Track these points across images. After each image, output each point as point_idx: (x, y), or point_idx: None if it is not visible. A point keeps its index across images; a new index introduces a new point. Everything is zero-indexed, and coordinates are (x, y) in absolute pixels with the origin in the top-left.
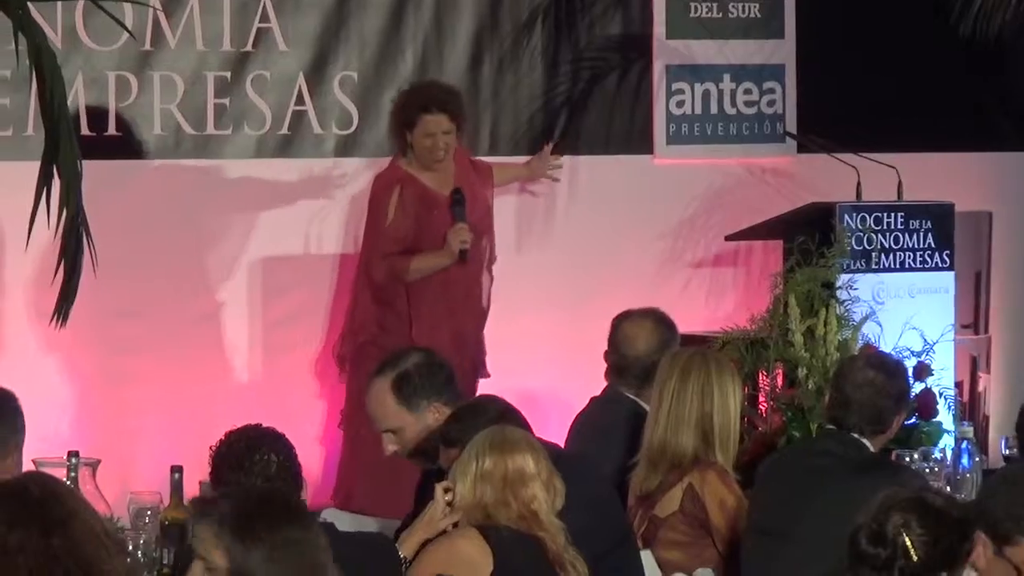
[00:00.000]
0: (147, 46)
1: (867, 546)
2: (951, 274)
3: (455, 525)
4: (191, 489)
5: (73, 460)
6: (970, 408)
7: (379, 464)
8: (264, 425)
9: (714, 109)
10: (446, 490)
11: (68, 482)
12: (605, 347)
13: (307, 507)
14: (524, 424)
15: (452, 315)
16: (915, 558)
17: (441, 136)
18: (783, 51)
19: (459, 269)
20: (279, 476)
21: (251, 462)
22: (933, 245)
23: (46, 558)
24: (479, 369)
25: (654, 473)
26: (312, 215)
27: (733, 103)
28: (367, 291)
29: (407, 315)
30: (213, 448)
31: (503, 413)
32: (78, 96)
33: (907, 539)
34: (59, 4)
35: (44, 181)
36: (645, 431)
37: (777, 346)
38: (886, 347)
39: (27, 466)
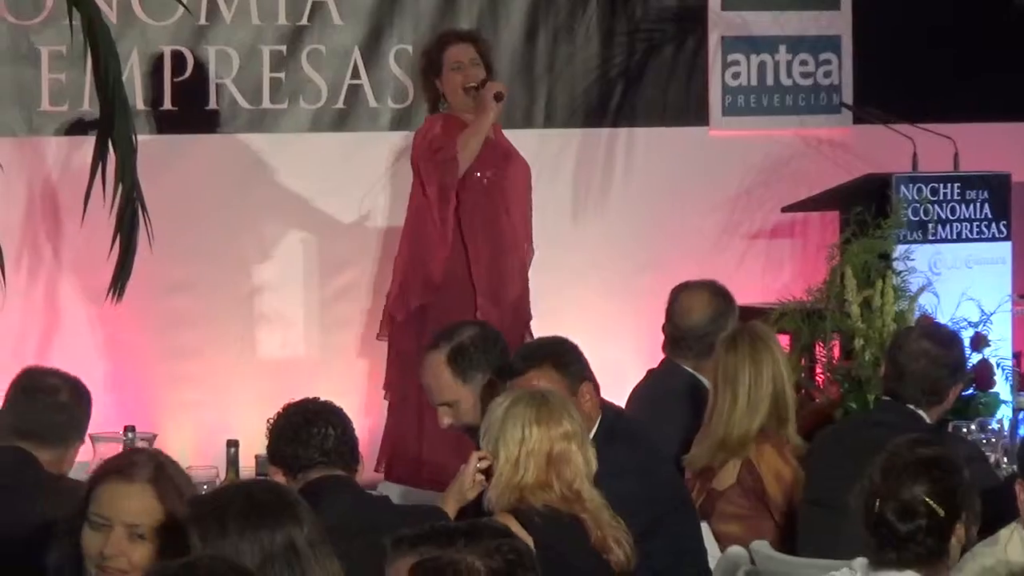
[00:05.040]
0: (202, 20)
1: (900, 524)
2: (1008, 244)
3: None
4: (247, 463)
5: (129, 435)
6: None
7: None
8: (322, 399)
9: (770, 80)
10: (481, 458)
11: None
12: (662, 319)
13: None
14: (582, 359)
15: (503, 283)
16: (942, 514)
17: (470, 66)
18: (839, 22)
19: (509, 236)
20: (335, 450)
21: (308, 435)
22: (990, 215)
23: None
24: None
25: (717, 453)
26: (368, 189)
27: (789, 74)
28: (418, 246)
29: (468, 280)
30: (271, 421)
31: (562, 340)
32: (133, 71)
33: (930, 502)
34: None
35: (99, 156)
36: (711, 416)
37: (834, 317)
38: (943, 318)
39: (85, 441)
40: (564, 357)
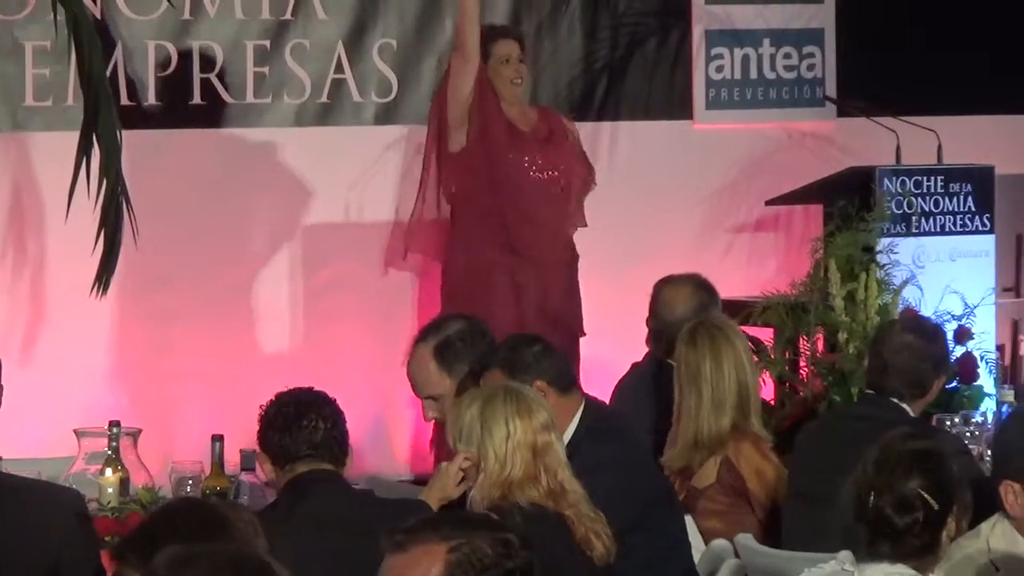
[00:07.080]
0: (186, 15)
1: (898, 517)
2: (991, 237)
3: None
4: (232, 458)
5: (114, 430)
6: (1011, 371)
7: None
8: (316, 389)
9: (754, 74)
10: (466, 458)
11: (109, 451)
12: (646, 313)
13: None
14: (570, 362)
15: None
16: (936, 507)
17: (516, 62)
18: (823, 15)
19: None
20: (323, 444)
21: (298, 427)
22: (973, 208)
23: None
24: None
25: (694, 453)
26: (352, 183)
27: (773, 68)
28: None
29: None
30: (263, 407)
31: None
32: (118, 66)
33: (925, 495)
34: None
35: (84, 151)
36: (679, 416)
37: (818, 311)
38: (927, 311)
39: (70, 437)
40: (514, 361)
